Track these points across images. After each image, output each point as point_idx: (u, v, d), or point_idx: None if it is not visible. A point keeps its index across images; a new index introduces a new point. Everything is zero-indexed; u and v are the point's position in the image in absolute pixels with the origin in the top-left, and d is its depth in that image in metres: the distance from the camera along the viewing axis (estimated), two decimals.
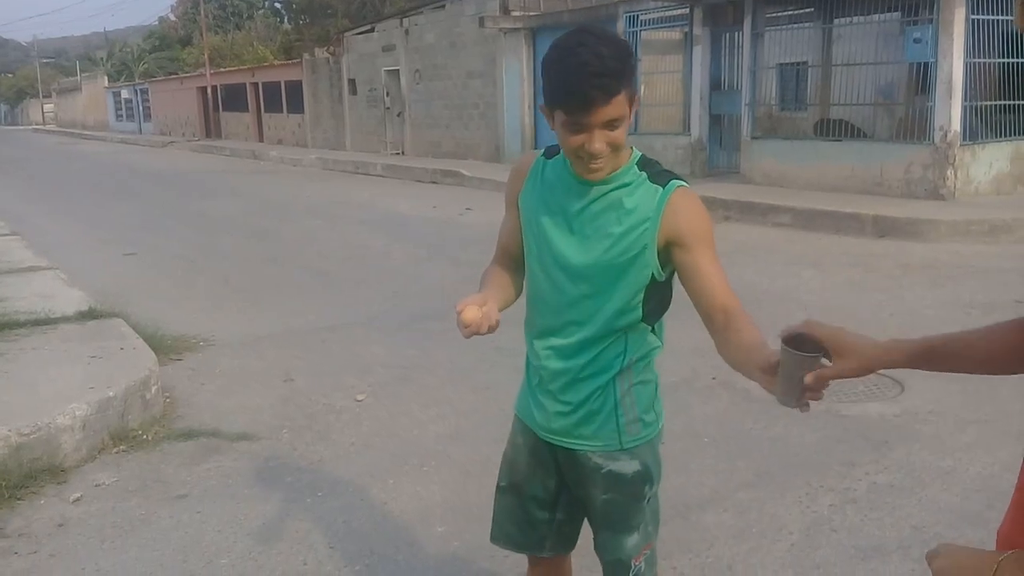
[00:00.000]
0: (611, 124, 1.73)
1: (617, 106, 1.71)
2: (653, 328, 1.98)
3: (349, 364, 5.58)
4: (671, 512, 3.49)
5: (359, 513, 3.58)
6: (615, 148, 1.78)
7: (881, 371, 5.05)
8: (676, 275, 1.92)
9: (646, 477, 2.01)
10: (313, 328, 6.54)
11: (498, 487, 2.18)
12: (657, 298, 1.93)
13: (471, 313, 1.80)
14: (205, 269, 9.07)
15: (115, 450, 4.23)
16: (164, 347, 5.76)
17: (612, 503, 2.00)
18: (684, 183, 1.89)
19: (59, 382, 4.47)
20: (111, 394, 4.32)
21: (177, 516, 3.60)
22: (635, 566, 2.03)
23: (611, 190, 1.86)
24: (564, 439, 2.01)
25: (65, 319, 5.74)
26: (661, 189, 1.84)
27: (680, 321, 6.79)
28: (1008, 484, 3.74)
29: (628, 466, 1.98)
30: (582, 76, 1.66)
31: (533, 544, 2.17)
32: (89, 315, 5.88)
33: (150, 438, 4.39)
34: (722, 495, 3.62)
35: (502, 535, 2.19)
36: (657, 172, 1.88)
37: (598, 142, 1.74)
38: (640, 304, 1.91)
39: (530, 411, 2.07)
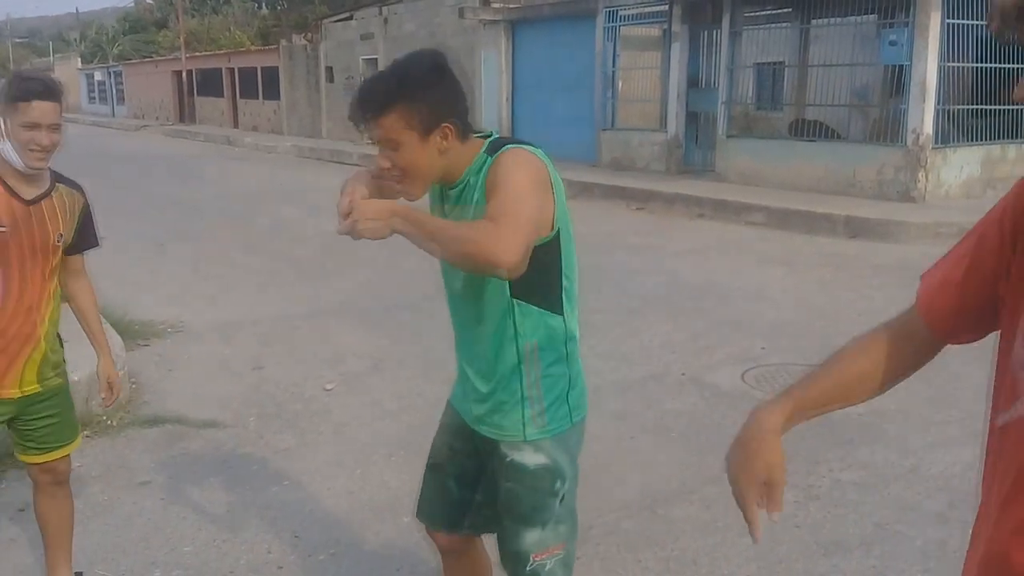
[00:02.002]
0: (389, 144, 1.83)
1: (387, 127, 1.81)
2: (545, 309, 1.94)
3: (320, 353, 5.55)
4: (638, 506, 3.51)
5: (325, 502, 3.56)
6: (408, 169, 1.84)
7: None
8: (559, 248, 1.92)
9: (554, 473, 2.00)
10: (284, 316, 6.49)
11: (427, 465, 2.26)
12: (533, 269, 1.84)
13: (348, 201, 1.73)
14: (176, 254, 8.97)
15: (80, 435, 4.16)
16: (131, 332, 5.69)
17: (512, 493, 2.01)
18: (515, 146, 1.87)
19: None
20: (75, 379, 4.20)
21: (140, 503, 3.56)
22: (534, 562, 2.01)
23: (461, 187, 1.92)
24: (479, 426, 2.06)
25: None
26: (490, 159, 1.86)
27: (650, 318, 6.80)
28: (970, 484, 3.80)
29: (532, 458, 1.98)
30: (355, 97, 1.85)
31: (452, 521, 2.23)
32: None
33: (115, 424, 4.34)
34: (689, 489, 3.64)
35: (425, 511, 2.27)
36: (498, 146, 1.89)
37: (381, 159, 1.86)
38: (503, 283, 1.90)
39: (458, 394, 2.16)
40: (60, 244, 2.64)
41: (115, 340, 5.00)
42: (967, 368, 5.13)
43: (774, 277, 7.69)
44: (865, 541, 3.20)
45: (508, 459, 2.00)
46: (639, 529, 3.31)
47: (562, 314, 1.97)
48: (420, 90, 1.81)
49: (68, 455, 2.78)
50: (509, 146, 1.88)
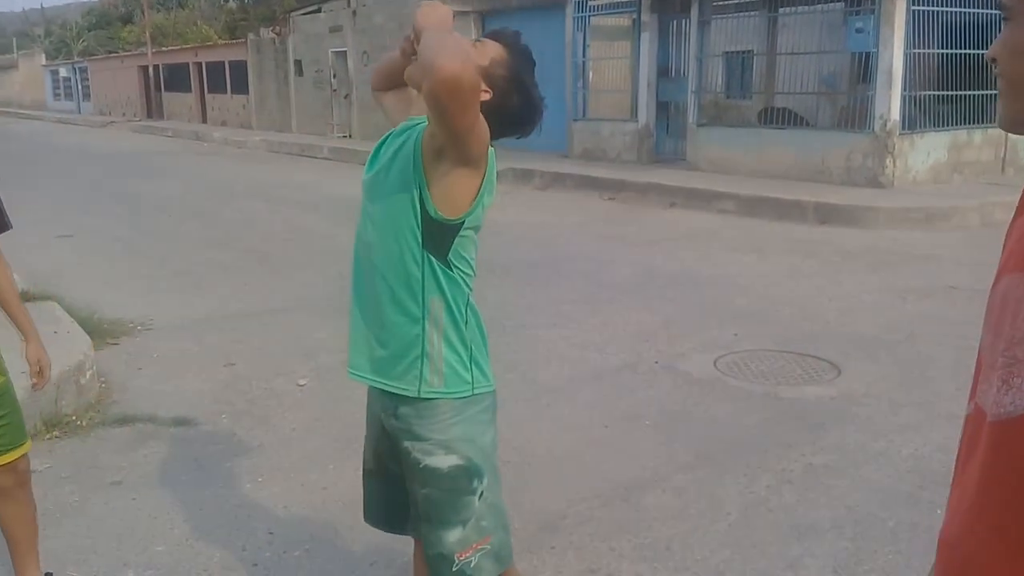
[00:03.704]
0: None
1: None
2: (454, 273, 1.94)
3: (292, 348, 5.51)
4: (611, 494, 3.52)
5: (299, 498, 3.54)
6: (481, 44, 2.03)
7: (818, 355, 5.15)
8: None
9: (470, 472, 1.98)
10: (255, 311, 6.44)
11: (363, 470, 2.28)
12: (432, 231, 1.90)
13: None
14: (144, 251, 8.86)
15: (48, 436, 4.11)
16: (100, 331, 5.62)
17: (430, 499, 1.99)
18: None
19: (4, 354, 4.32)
20: None
21: (112, 503, 3.52)
22: (458, 561, 1.99)
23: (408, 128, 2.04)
24: (375, 377, 2.01)
25: None
26: None
27: (623, 307, 6.81)
28: (940, 465, 3.85)
29: (444, 460, 1.96)
30: None
31: (394, 523, 2.23)
32: (22, 297, 5.67)
33: (84, 424, 4.29)
34: (662, 476, 3.66)
35: (370, 515, 2.29)
36: None
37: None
38: (416, 222, 1.90)
39: (356, 355, 2.06)
40: None
41: (83, 339, 4.94)
42: (937, 350, 5.21)
43: (745, 264, 7.73)
44: (837, 524, 3.24)
45: (422, 464, 1.97)
46: (612, 517, 3.32)
47: (467, 283, 1.98)
48: (519, 83, 1.96)
49: (26, 454, 2.72)
50: None
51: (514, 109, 1.96)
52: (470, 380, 1.98)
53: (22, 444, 2.69)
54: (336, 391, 4.73)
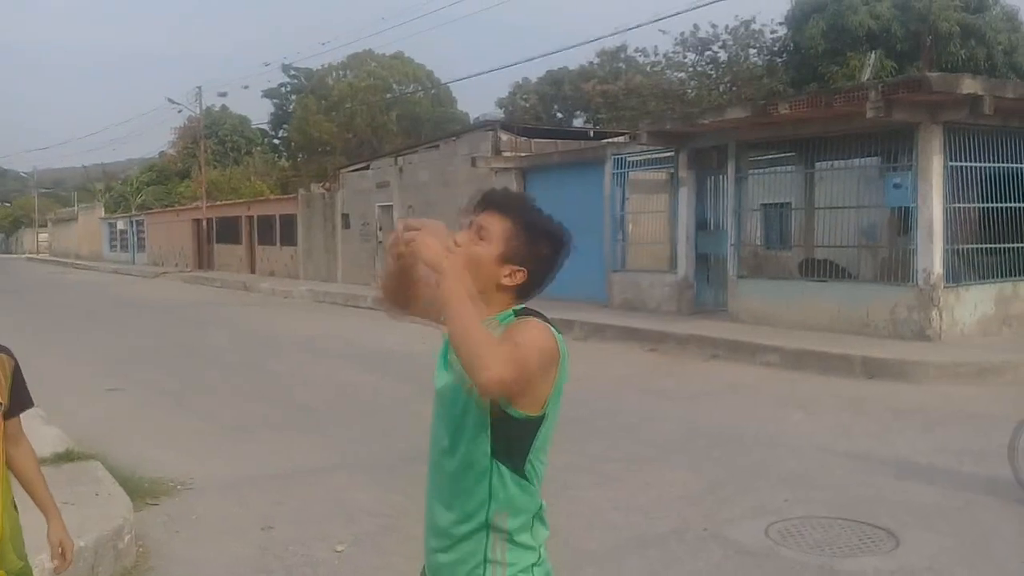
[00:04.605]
0: (477, 232, 1.97)
1: (489, 220, 1.97)
2: (520, 477, 1.93)
3: (332, 511, 5.42)
4: None
5: None
6: (471, 263, 1.93)
7: (874, 523, 4.93)
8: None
9: None
10: (296, 471, 6.39)
11: None
12: (509, 435, 1.90)
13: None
14: (191, 406, 8.94)
15: None
16: (141, 491, 5.60)
17: None
18: (539, 319, 1.92)
19: (28, 531, 4.29)
20: (82, 544, 4.14)
21: None
22: None
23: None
24: None
25: (40, 461, 5.58)
26: (515, 318, 1.93)
27: (667, 467, 6.64)
28: None
29: None
30: (487, 190, 2.04)
31: None
32: (65, 457, 5.74)
33: None
34: None
35: None
36: (525, 314, 1.95)
37: (459, 237, 1.98)
38: (486, 438, 1.90)
39: (426, 558, 2.07)
40: (0, 413, 2.55)
41: (123, 501, 4.92)
42: (998, 519, 4.97)
43: (792, 421, 7.56)
44: None
45: None
46: None
47: (534, 487, 1.96)
48: (534, 232, 1.94)
49: None
50: (532, 317, 1.94)
51: (550, 256, 1.99)
52: None
53: None
54: (375, 559, 4.62)
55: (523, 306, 2.00)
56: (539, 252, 1.94)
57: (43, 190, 79.17)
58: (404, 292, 2.09)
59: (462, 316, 1.75)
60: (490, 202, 1.97)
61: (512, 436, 1.90)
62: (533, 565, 1.95)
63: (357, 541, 4.87)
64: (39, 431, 6.52)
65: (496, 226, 1.93)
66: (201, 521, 5.29)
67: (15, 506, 2.64)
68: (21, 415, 2.69)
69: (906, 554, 4.53)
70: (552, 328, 1.93)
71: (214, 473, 6.29)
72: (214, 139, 49.13)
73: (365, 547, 4.77)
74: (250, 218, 32.78)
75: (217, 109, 50.57)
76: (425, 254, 1.81)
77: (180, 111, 41.55)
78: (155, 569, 4.52)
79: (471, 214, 1.97)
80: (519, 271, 1.93)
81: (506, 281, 1.93)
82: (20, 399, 2.64)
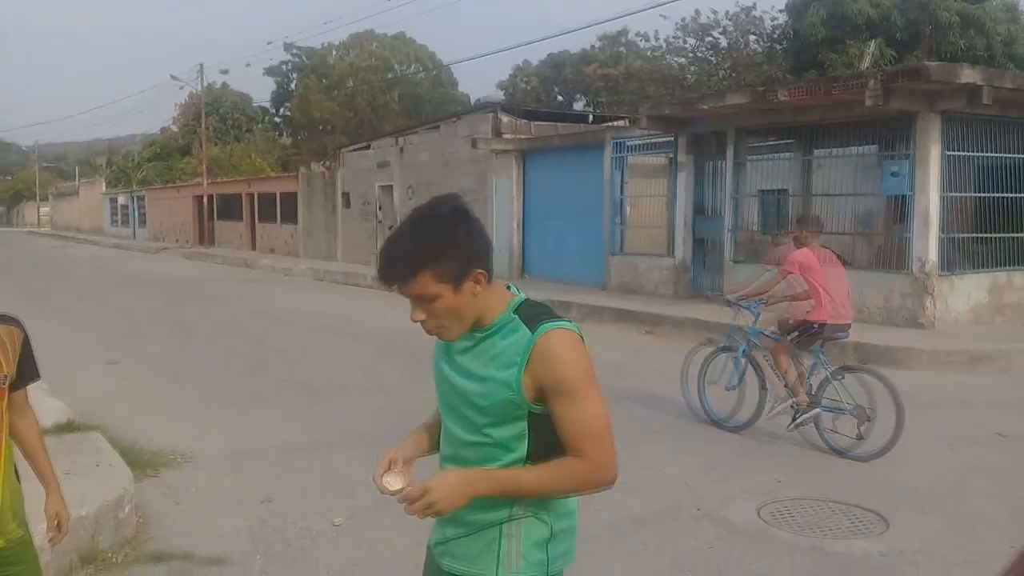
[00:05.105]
0: (424, 300, 1.88)
1: (420, 286, 1.86)
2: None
3: (330, 485, 5.50)
4: None
5: None
6: (444, 318, 1.90)
7: (865, 506, 5.02)
8: None
9: None
10: (295, 445, 6.46)
11: None
12: (546, 436, 1.92)
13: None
14: (189, 379, 9.00)
15: (83, 573, 4.11)
16: (141, 462, 5.67)
17: None
18: (557, 325, 1.90)
19: (29, 500, 4.36)
20: (83, 513, 4.22)
21: None
22: None
23: (484, 337, 1.95)
24: (443, 560, 2.02)
25: (42, 432, 5.65)
26: (530, 334, 1.89)
27: (663, 448, 6.70)
28: None
29: None
30: (382, 260, 1.90)
31: None
32: (67, 428, 5.80)
33: (120, 560, 4.28)
34: None
35: None
36: (532, 316, 1.93)
37: (415, 313, 1.91)
38: (523, 441, 1.93)
39: (434, 531, 2.10)
40: (5, 384, 2.57)
41: (124, 472, 4.99)
42: (988, 503, 5.05)
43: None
44: None
45: None
46: None
47: None
48: (447, 245, 1.85)
49: None
50: (550, 325, 1.89)
51: (466, 233, 1.89)
52: (546, 561, 1.97)
53: None
54: (373, 533, 4.69)
55: (519, 302, 1.96)
56: (464, 248, 1.87)
57: (45, 164, 78.90)
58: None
59: (549, 491, 1.90)
60: (395, 276, 1.88)
61: (549, 433, 1.91)
62: (547, 540, 1.96)
63: (355, 515, 4.94)
64: (41, 402, 6.58)
65: (422, 283, 1.86)
66: (201, 493, 5.37)
67: (17, 476, 2.67)
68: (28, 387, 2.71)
69: (896, 536, 4.61)
70: (567, 326, 1.91)
71: (214, 446, 6.37)
72: (215, 116, 49.01)
73: (363, 521, 4.85)
74: (251, 195, 32.76)
75: (219, 87, 50.41)
76: (453, 506, 1.88)
77: (182, 88, 41.52)
78: (155, 539, 4.59)
79: (398, 290, 1.90)
80: (476, 274, 1.88)
81: (479, 289, 1.90)
82: (28, 371, 2.66)
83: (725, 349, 7.12)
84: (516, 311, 1.94)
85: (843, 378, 6.29)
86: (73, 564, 4.11)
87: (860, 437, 6.01)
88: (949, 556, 4.32)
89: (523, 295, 2.02)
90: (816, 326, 6.50)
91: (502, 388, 1.89)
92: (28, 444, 2.73)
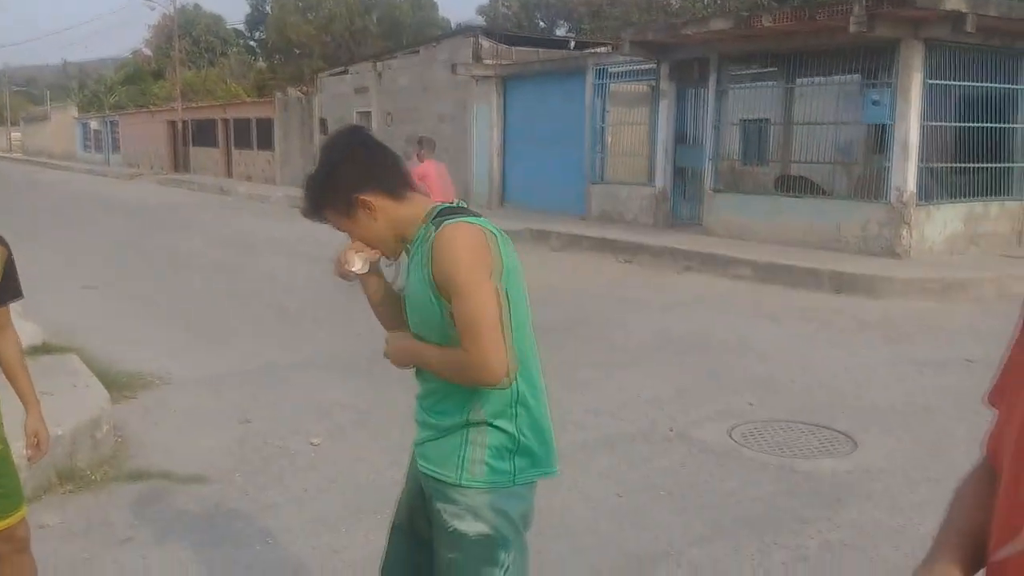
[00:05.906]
0: (342, 229, 2.09)
1: (332, 222, 2.08)
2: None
3: (307, 405, 5.53)
4: (625, 566, 3.49)
5: (309, 562, 3.53)
6: (369, 242, 2.08)
7: (834, 427, 5.12)
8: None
9: (496, 542, 1.98)
10: (272, 367, 6.48)
11: (391, 524, 2.26)
12: None
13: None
14: (166, 305, 8.96)
15: (62, 491, 4.14)
16: (118, 384, 5.67)
17: (455, 564, 1.99)
18: (455, 220, 1.94)
19: (9, 417, 4.36)
20: (59, 432, 4.22)
21: (121, 561, 3.52)
22: None
23: (412, 250, 2.04)
24: (420, 461, 2.08)
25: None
26: (434, 231, 1.95)
27: (638, 372, 6.76)
28: None
29: (472, 527, 1.97)
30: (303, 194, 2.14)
31: None
32: (42, 350, 5.78)
33: (98, 479, 4.31)
34: (677, 550, 3.62)
35: (387, 573, 2.24)
36: (438, 220, 1.98)
37: (350, 243, 2.11)
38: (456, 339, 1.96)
39: (416, 433, 2.14)
40: None
41: (100, 393, 4.99)
42: (954, 424, 5.17)
43: (760, 331, 7.72)
44: None
45: (450, 527, 1.99)
46: None
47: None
48: (329, 183, 2.04)
49: (24, 520, 2.67)
50: (448, 220, 1.94)
51: (358, 157, 2.06)
52: (511, 471, 1.99)
53: (18, 511, 2.65)
54: (350, 452, 4.74)
55: (440, 208, 2.01)
56: (345, 181, 2.02)
57: (15, 87, 76.89)
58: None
59: (443, 371, 1.97)
60: (311, 217, 2.13)
61: None
62: (512, 451, 1.98)
63: (332, 435, 4.99)
64: (15, 324, 6.54)
65: (331, 219, 2.08)
66: (179, 414, 5.39)
67: None
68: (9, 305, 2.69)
69: (863, 455, 4.71)
70: (468, 220, 1.94)
71: (191, 369, 6.37)
72: (188, 39, 47.72)
73: (339, 440, 4.90)
74: (226, 121, 32.15)
75: (192, 7, 49.05)
76: (400, 361, 2.07)
77: (154, 8, 40.30)
78: (133, 458, 4.62)
79: (325, 222, 2.10)
80: (360, 200, 2.00)
81: (372, 214, 2.01)
82: (11, 288, 2.65)
83: None
84: (431, 218, 2.00)
85: None
86: (51, 482, 4.13)
87: None
88: (914, 473, 4.44)
89: (462, 204, 2.07)
90: None
91: (424, 288, 1.94)
92: (9, 361, 2.72)
